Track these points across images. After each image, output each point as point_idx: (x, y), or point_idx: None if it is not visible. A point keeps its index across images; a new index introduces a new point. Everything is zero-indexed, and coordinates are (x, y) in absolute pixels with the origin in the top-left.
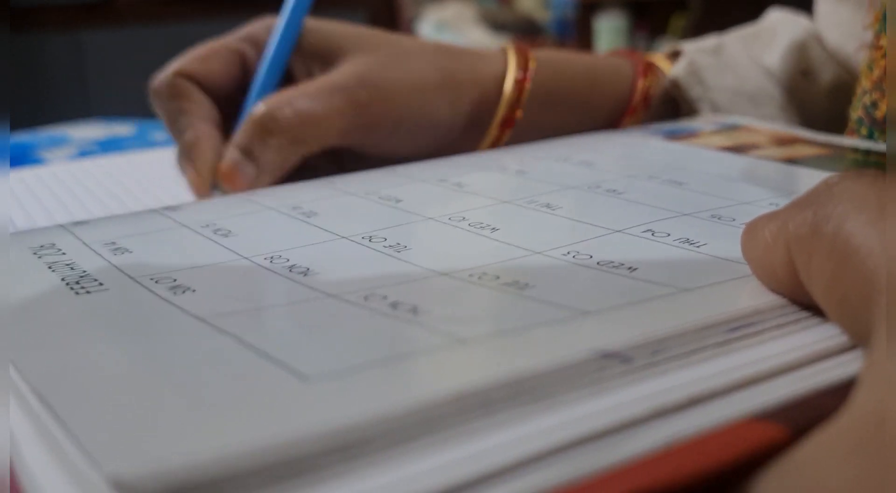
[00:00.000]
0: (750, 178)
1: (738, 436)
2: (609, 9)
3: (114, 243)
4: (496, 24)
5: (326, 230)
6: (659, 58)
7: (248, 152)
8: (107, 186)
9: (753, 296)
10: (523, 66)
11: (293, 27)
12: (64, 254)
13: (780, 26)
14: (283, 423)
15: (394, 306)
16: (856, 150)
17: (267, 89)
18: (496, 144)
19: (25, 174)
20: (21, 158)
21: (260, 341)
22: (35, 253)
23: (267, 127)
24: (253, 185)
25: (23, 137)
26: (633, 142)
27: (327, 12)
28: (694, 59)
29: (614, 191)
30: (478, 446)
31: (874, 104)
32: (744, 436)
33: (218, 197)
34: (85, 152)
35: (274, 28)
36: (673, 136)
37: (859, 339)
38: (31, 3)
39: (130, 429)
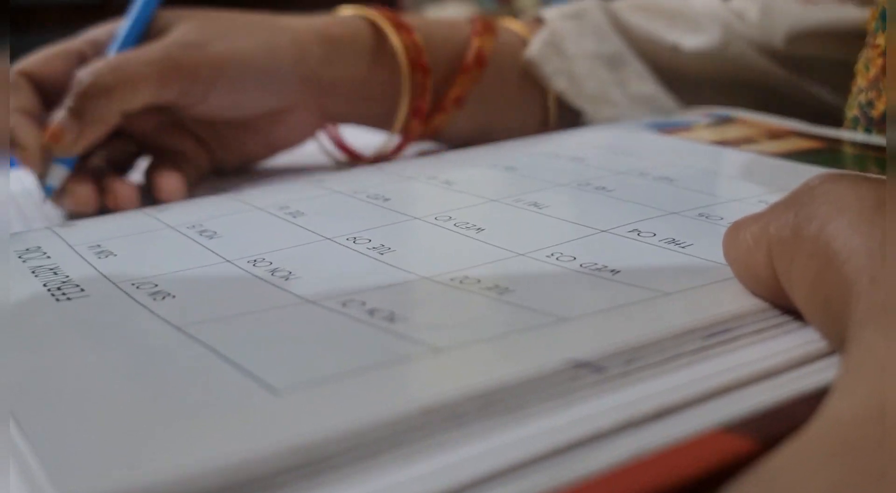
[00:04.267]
0: (741, 174)
1: (710, 447)
2: None
3: (99, 246)
4: None
5: (311, 231)
6: (517, 24)
7: (72, 111)
8: None
9: (734, 300)
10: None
11: (139, 24)
12: (49, 258)
13: None
14: (249, 440)
15: (371, 312)
16: (852, 143)
17: None
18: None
19: (23, 175)
20: None
21: (234, 351)
22: (20, 257)
23: (84, 84)
24: (79, 142)
25: None
26: (625, 136)
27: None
28: (555, 27)
29: (603, 188)
30: (447, 459)
31: (870, 103)
32: (715, 447)
33: (205, 198)
34: None
35: (119, 26)
36: (665, 129)
37: (837, 343)
38: (31, 2)
39: (96, 446)
